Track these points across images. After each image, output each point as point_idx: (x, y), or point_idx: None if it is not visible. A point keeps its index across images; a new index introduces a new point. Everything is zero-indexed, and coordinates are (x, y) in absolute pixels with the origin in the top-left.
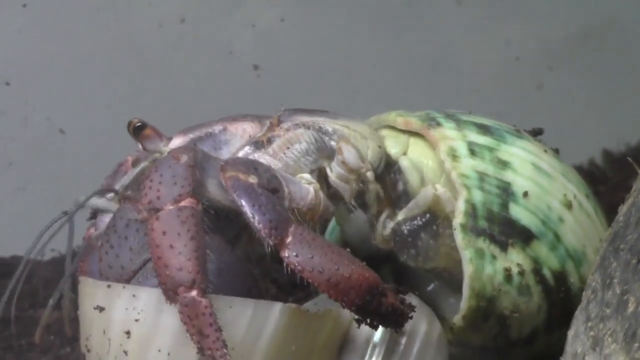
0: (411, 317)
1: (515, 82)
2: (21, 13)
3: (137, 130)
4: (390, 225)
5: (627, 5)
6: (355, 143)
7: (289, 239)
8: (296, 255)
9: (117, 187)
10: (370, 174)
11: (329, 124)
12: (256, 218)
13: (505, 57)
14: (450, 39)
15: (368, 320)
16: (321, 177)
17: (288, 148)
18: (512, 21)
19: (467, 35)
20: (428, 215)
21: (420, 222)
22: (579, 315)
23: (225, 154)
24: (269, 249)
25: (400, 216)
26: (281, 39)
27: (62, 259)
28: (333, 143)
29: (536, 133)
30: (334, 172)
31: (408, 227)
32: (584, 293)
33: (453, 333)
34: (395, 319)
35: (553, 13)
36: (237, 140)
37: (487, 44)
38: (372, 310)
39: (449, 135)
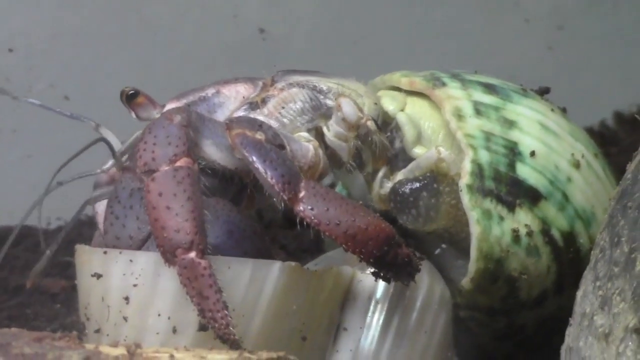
0: (419, 270)
1: (525, 44)
2: None
3: (130, 98)
4: (389, 184)
5: None
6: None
7: (302, 193)
8: (311, 209)
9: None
10: (371, 123)
11: (323, 83)
12: (268, 173)
13: (514, 18)
14: (459, 2)
15: (382, 274)
16: (318, 136)
17: (283, 108)
18: None
19: None
20: (429, 175)
21: (421, 182)
22: (587, 275)
23: (219, 116)
24: (282, 204)
25: (400, 176)
26: (287, 2)
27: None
28: (329, 101)
29: (543, 92)
30: (331, 131)
31: (409, 187)
32: (592, 252)
33: (461, 296)
34: (409, 271)
35: None
36: (231, 102)
37: (496, 5)
38: (389, 261)
39: (454, 94)
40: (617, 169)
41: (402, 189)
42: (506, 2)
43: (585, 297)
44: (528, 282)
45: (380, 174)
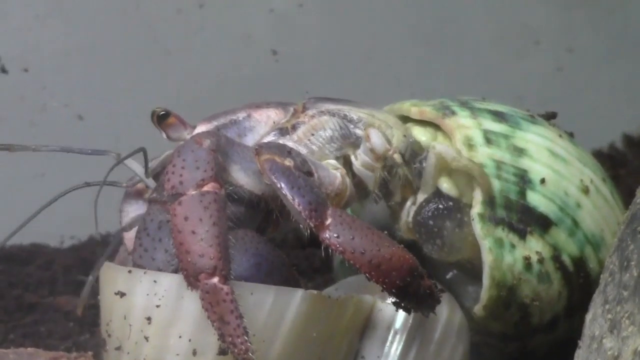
0: (439, 302)
1: (534, 65)
2: None
3: (161, 119)
4: (414, 209)
5: None
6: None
7: (328, 221)
8: (337, 237)
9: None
10: (397, 156)
11: (354, 112)
12: (296, 200)
13: (524, 40)
14: (469, 23)
15: (403, 304)
16: (346, 165)
17: (313, 135)
18: (531, 3)
19: (487, 17)
20: (451, 203)
21: (444, 209)
22: (596, 299)
23: (249, 140)
24: (308, 231)
25: (420, 197)
26: (299, 23)
27: (82, 246)
28: (358, 131)
29: (549, 117)
30: (359, 160)
31: (431, 211)
32: (601, 276)
33: (474, 322)
34: (430, 302)
35: None
36: (262, 127)
37: (505, 26)
38: (412, 292)
39: (464, 123)
40: (626, 191)
41: (425, 214)
42: (516, 23)
43: (595, 320)
44: (540, 307)
45: (408, 203)
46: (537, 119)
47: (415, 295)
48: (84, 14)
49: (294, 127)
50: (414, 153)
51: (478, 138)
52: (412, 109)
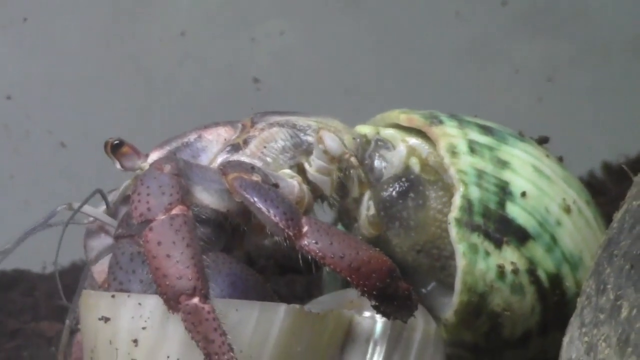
0: (417, 307)
1: (514, 94)
2: (22, 27)
3: (115, 149)
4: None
5: (629, 20)
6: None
7: (305, 229)
8: (316, 243)
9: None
10: (354, 159)
11: (302, 121)
12: (271, 212)
13: (504, 69)
14: (450, 53)
15: (382, 308)
16: (300, 172)
17: (265, 147)
18: (512, 35)
19: (467, 47)
20: (412, 176)
21: (406, 181)
22: (573, 322)
23: (204, 160)
24: (286, 241)
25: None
26: (281, 52)
27: (64, 272)
28: (309, 138)
29: (542, 141)
30: (313, 166)
31: (395, 185)
32: (578, 299)
33: (447, 331)
34: (408, 305)
35: (554, 26)
36: (214, 145)
37: (486, 56)
38: (391, 294)
39: (450, 132)
40: (605, 218)
41: (390, 193)
42: (496, 53)
43: (572, 343)
44: (511, 319)
45: (366, 197)
46: (526, 138)
47: (394, 297)
48: (67, 41)
49: (246, 142)
50: (363, 149)
51: (462, 147)
52: (401, 116)
